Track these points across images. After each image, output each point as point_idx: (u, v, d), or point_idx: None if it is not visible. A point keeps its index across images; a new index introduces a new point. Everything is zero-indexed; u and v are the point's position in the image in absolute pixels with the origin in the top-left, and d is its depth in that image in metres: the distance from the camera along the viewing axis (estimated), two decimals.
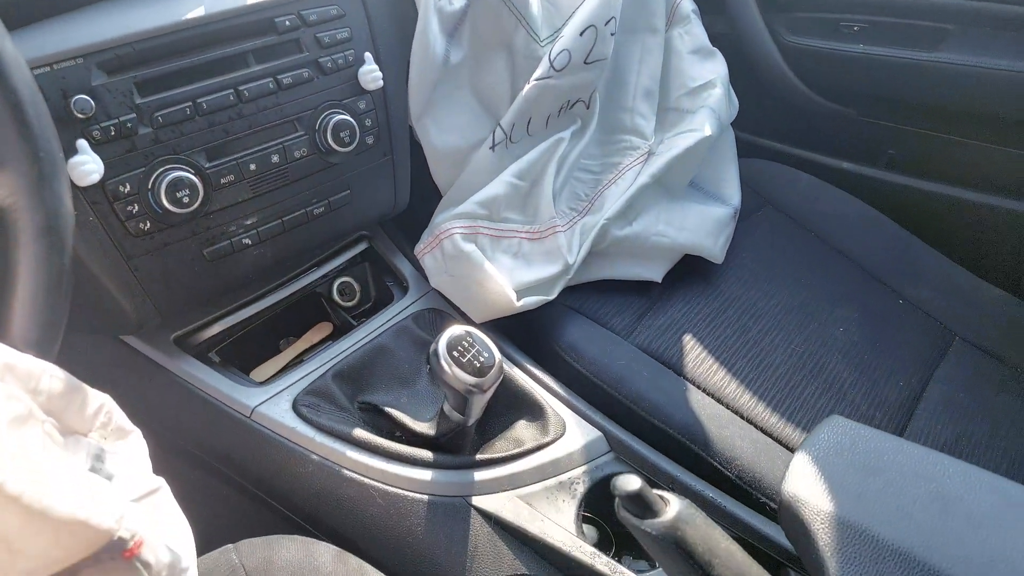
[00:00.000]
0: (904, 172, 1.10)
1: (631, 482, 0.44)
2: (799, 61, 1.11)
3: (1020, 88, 0.93)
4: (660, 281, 0.87)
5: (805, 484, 0.46)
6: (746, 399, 0.75)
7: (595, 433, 0.70)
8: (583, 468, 0.68)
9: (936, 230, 1.03)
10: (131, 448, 0.40)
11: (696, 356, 0.79)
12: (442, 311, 0.80)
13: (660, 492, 0.45)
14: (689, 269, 0.89)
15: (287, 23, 0.67)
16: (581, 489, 0.67)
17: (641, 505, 0.44)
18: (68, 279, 0.43)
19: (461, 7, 0.76)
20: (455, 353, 0.60)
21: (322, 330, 0.81)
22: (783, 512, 0.47)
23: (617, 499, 0.44)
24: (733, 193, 0.95)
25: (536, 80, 0.80)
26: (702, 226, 0.89)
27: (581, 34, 0.80)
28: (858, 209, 1.03)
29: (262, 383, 0.72)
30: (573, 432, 0.70)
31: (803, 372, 0.79)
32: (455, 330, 0.61)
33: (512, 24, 0.80)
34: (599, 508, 0.68)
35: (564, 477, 0.67)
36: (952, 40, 0.99)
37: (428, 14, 0.74)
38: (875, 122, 1.11)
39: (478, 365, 0.60)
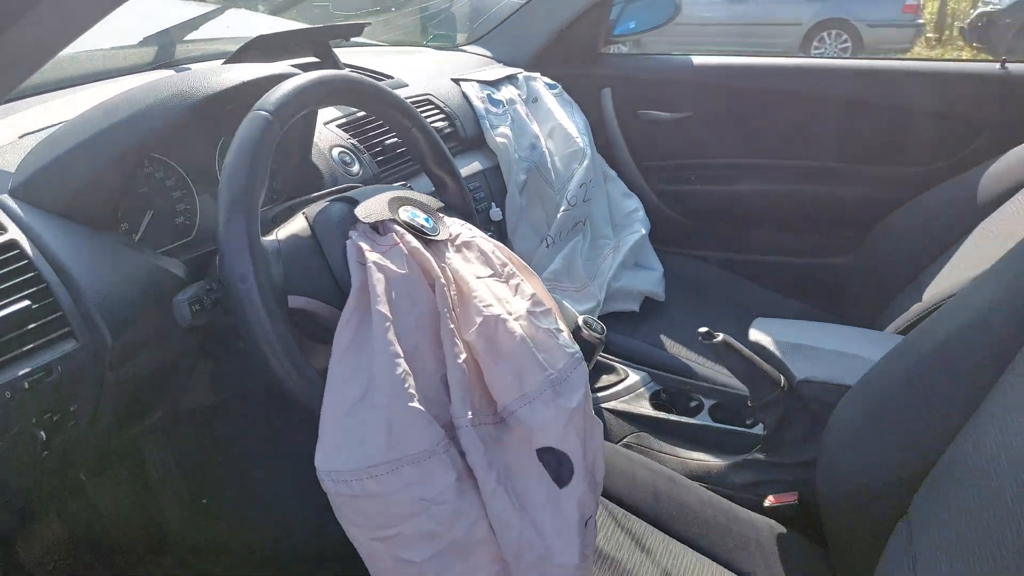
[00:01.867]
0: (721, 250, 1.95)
1: (702, 329, 1.11)
2: (664, 197, 1.95)
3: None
4: (637, 310, 1.58)
5: (757, 335, 1.16)
6: (701, 360, 1.46)
7: (643, 372, 1.37)
8: (643, 389, 1.34)
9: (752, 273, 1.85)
10: None
11: (667, 342, 1.49)
12: None
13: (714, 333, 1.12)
14: (648, 304, 1.62)
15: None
16: (647, 395, 1.32)
17: (709, 337, 1.11)
18: None
19: (524, 178, 1.49)
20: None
21: None
22: (752, 345, 1.16)
23: (700, 336, 1.11)
24: (658, 265, 1.72)
25: (562, 211, 1.53)
26: (651, 281, 1.63)
27: (580, 187, 1.56)
28: (714, 271, 1.84)
29: None
30: (631, 375, 1.36)
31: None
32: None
33: (545, 187, 1.54)
34: (657, 403, 1.33)
35: (636, 392, 1.32)
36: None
37: (513, 188, 1.45)
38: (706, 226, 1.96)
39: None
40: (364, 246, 0.75)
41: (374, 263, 0.74)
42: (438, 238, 0.82)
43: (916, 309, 1.27)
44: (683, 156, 1.91)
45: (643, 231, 1.67)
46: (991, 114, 1.59)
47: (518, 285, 0.85)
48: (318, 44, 1.34)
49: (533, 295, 0.84)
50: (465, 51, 1.92)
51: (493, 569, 0.73)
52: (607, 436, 1.22)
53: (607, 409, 1.27)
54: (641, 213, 1.73)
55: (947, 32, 8.21)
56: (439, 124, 1.34)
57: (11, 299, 0.66)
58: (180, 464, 1.10)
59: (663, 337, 1.51)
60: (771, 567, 0.97)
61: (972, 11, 8.26)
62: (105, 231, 0.79)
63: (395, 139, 1.21)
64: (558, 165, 1.58)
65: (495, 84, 1.56)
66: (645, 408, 1.29)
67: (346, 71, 0.85)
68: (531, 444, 0.74)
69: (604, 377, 1.36)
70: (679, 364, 1.41)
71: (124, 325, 0.72)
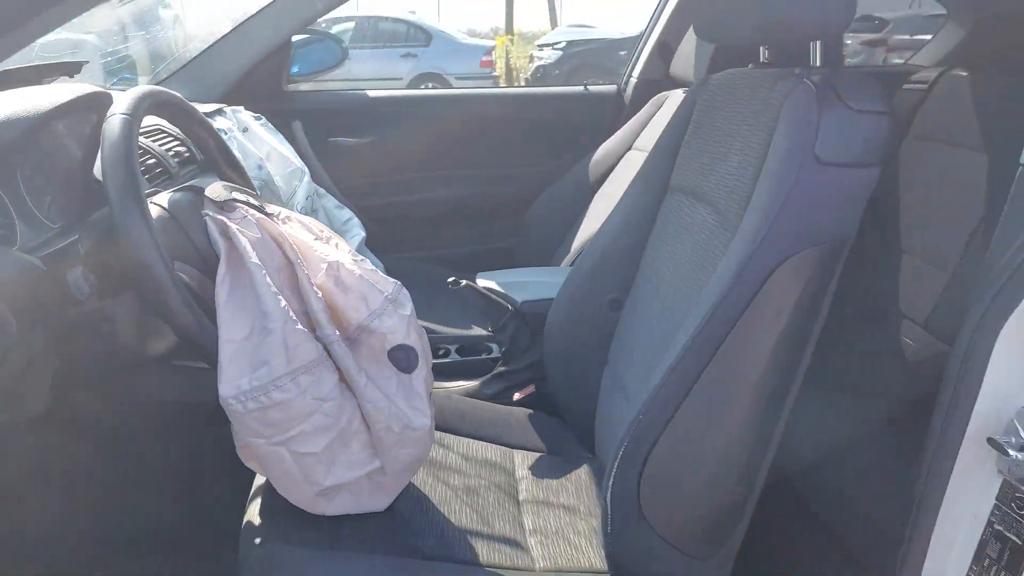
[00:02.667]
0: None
1: (450, 279, 1.47)
2: (365, 211, 2.27)
3: None
4: None
5: (483, 281, 1.56)
6: (438, 324, 1.81)
7: None
8: None
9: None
10: None
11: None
12: None
13: (459, 280, 1.49)
14: None
15: None
16: None
17: (456, 283, 1.47)
18: None
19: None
20: None
21: None
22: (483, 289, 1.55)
23: (449, 284, 1.47)
24: (378, 263, 2.03)
25: None
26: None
27: (306, 199, 1.80)
28: (417, 264, 2.23)
29: None
30: None
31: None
32: None
33: (276, 202, 1.74)
34: None
35: None
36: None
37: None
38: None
39: None
40: (223, 218, 0.94)
41: (237, 230, 0.93)
42: (270, 213, 1.04)
43: (573, 251, 1.82)
44: (374, 174, 2.26)
45: (363, 234, 1.97)
46: (584, 121, 2.29)
47: (336, 244, 1.11)
48: (47, 79, 1.37)
49: (350, 250, 1.11)
50: None
51: (365, 455, 0.98)
52: None
53: None
54: (356, 220, 2.03)
55: (516, 82, 10.09)
56: (177, 149, 1.46)
57: None
58: None
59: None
60: (517, 437, 1.35)
61: (531, 65, 10.32)
62: None
63: (154, 159, 1.33)
64: (280, 184, 1.80)
65: (210, 115, 1.72)
66: None
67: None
68: (384, 347, 1.00)
69: None
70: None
71: (22, 311, 0.80)
